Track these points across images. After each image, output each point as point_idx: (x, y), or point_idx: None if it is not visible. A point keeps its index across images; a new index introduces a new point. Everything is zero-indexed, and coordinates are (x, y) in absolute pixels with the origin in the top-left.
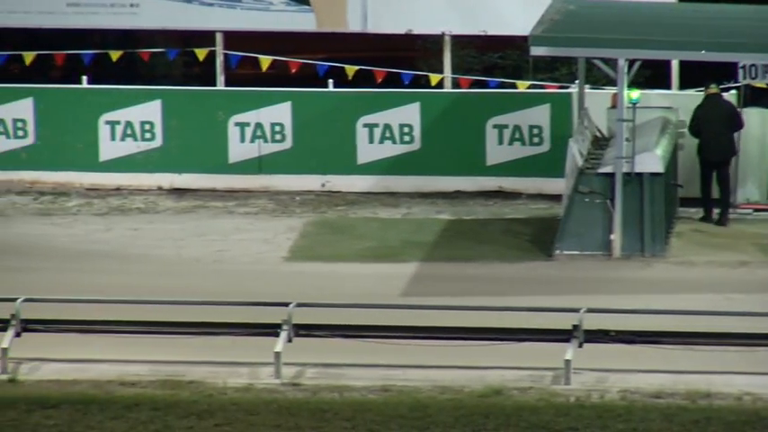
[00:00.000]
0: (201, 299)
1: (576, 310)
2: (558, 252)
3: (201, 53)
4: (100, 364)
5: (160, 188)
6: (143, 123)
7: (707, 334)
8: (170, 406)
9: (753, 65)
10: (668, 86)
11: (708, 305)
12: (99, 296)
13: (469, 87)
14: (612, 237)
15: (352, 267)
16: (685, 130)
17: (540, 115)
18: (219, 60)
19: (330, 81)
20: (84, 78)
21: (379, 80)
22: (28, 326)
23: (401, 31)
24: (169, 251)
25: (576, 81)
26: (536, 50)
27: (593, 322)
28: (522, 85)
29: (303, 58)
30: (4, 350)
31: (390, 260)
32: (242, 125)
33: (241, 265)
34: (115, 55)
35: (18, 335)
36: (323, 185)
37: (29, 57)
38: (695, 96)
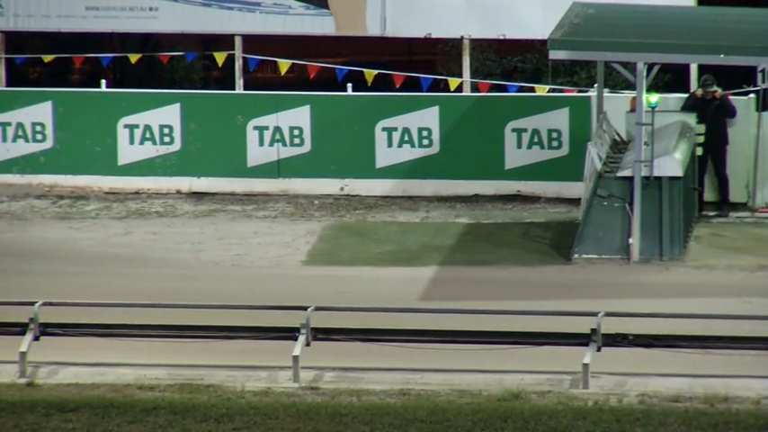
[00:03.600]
0: (220, 302)
1: (594, 314)
2: (576, 256)
3: (220, 57)
4: (118, 368)
5: (179, 192)
6: (162, 127)
7: (725, 338)
8: (188, 410)
9: None
10: (687, 90)
11: (726, 309)
12: (117, 300)
13: (489, 91)
14: (631, 240)
15: (371, 271)
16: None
17: (559, 119)
18: (238, 64)
19: (349, 85)
20: (104, 82)
21: (398, 84)
22: (46, 329)
23: (420, 35)
24: (188, 255)
25: (595, 85)
26: (555, 54)
27: (611, 326)
28: (542, 89)
29: (322, 61)
30: (23, 354)
31: (409, 264)
32: (261, 129)
33: (260, 268)
34: (134, 58)
35: (36, 338)
36: (341, 189)
37: (48, 60)
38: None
